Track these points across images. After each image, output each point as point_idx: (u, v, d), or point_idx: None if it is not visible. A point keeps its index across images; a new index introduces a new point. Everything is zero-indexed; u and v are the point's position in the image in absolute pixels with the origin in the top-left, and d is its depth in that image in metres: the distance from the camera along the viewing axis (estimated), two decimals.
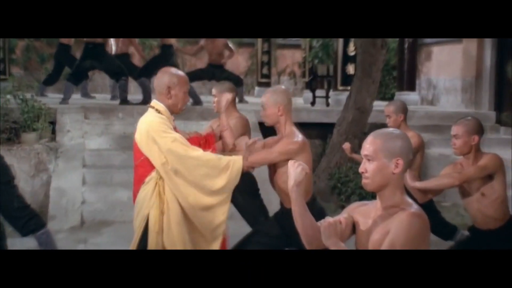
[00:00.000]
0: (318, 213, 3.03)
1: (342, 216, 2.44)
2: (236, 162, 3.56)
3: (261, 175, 4.66)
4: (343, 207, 6.86)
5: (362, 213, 2.42)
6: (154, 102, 3.62)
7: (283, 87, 3.91)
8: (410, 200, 2.31)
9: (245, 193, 4.77)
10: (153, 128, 3.48)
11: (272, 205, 5.18)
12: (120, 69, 8.94)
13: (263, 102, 3.69)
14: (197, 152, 3.53)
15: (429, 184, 3.99)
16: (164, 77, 3.59)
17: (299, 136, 3.65)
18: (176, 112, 3.66)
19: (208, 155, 3.55)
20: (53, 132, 7.40)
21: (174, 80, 3.58)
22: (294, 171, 2.44)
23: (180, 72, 3.68)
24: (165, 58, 9.00)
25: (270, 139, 3.84)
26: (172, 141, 3.46)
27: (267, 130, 7.72)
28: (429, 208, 4.52)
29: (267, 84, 13.28)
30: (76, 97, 10.22)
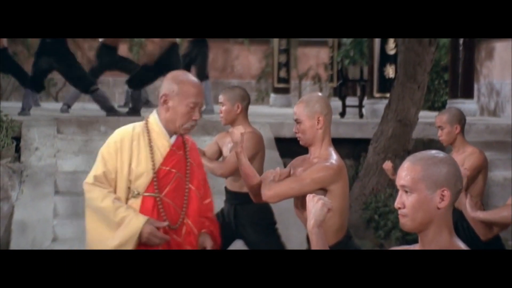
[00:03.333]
0: None
1: None
2: (134, 220, 3.34)
3: (278, 204, 4.62)
4: (381, 246, 6.80)
5: None
6: (153, 112, 3.57)
7: (319, 93, 3.90)
8: (461, 244, 2.29)
9: (258, 227, 4.75)
10: (106, 144, 3.47)
11: (292, 243, 5.14)
12: (85, 78, 8.88)
13: (296, 114, 3.64)
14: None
15: (494, 216, 3.97)
16: (164, 82, 3.49)
17: (333, 158, 3.57)
18: (176, 132, 3.54)
19: (106, 200, 3.38)
20: (17, 150, 7.41)
21: (173, 88, 3.43)
22: (314, 208, 2.43)
23: (189, 78, 3.50)
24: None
25: (297, 160, 3.77)
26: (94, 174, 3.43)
27: (286, 148, 7.75)
28: (494, 248, 4.46)
29: (285, 90, 13.32)
30: (47, 106, 10.25)
